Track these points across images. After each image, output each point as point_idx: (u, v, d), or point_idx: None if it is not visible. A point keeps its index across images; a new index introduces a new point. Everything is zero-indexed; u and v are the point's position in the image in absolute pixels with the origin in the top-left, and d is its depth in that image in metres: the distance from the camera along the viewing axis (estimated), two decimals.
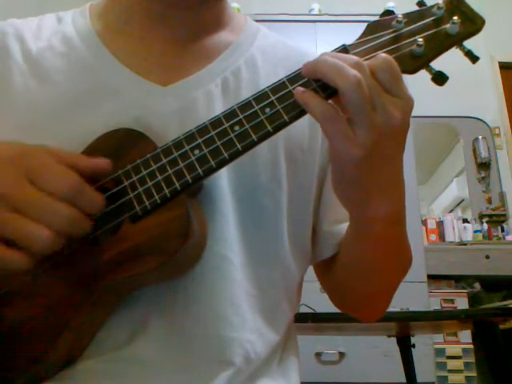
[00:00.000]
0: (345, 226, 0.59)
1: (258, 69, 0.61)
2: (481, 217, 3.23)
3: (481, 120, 3.42)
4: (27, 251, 0.41)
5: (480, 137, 3.37)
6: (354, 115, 0.43)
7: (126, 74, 0.57)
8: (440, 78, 0.49)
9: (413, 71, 0.49)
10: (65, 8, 0.65)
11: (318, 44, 2.68)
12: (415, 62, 0.48)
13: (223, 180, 0.53)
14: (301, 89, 0.45)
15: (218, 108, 0.55)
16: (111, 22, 0.62)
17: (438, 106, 3.15)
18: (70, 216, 0.42)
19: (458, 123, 3.43)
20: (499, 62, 3.48)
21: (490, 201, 3.27)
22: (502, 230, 3.17)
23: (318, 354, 2.30)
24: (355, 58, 0.45)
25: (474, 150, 3.38)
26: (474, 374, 2.47)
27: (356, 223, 0.54)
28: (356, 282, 0.60)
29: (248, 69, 0.60)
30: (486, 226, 3.16)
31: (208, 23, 0.62)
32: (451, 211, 3.39)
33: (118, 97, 0.55)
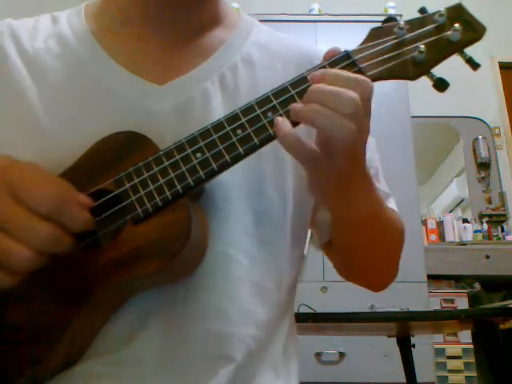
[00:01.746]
0: None
1: (255, 64, 0.61)
2: (481, 217, 3.23)
3: (481, 120, 3.42)
4: (10, 270, 0.41)
5: (480, 137, 3.37)
6: (334, 150, 0.45)
7: (123, 73, 0.57)
8: (441, 85, 0.49)
9: (414, 77, 0.49)
10: (64, 8, 0.65)
11: (318, 44, 2.68)
12: (417, 69, 0.49)
13: (227, 176, 0.53)
14: (283, 129, 0.45)
15: (217, 105, 0.56)
16: (107, 22, 0.62)
17: (437, 106, 3.15)
18: (50, 235, 0.41)
19: (457, 123, 3.43)
20: (499, 62, 3.48)
21: (489, 201, 3.27)
22: (502, 230, 3.17)
23: (318, 354, 2.30)
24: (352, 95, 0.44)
25: (474, 150, 3.38)
26: (474, 374, 2.47)
27: (338, 218, 0.58)
28: (355, 257, 0.64)
29: (245, 64, 0.60)
30: (486, 225, 3.16)
31: (203, 22, 0.62)
32: (451, 211, 3.39)
33: (115, 96, 0.56)
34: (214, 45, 0.61)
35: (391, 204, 0.66)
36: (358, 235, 0.59)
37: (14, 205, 0.41)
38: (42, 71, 0.57)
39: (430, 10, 0.51)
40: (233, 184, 0.53)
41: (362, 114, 0.44)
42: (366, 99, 0.45)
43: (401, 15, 2.86)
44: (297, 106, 0.45)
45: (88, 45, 0.59)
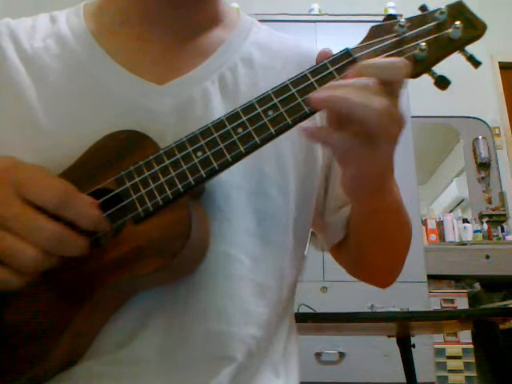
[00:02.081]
0: (347, 209, 0.63)
1: (255, 64, 0.61)
2: (481, 217, 3.23)
3: (481, 120, 3.42)
4: (17, 270, 0.41)
5: (480, 137, 3.37)
6: (373, 140, 0.44)
7: (122, 73, 0.57)
8: (442, 83, 0.49)
9: (415, 75, 0.49)
10: (63, 7, 0.65)
11: (318, 44, 2.67)
12: (418, 67, 0.48)
13: (228, 176, 0.53)
14: (309, 127, 0.44)
15: (217, 105, 0.56)
16: (106, 21, 0.62)
17: (438, 106, 3.15)
18: (56, 233, 0.41)
19: (457, 123, 3.44)
20: (499, 62, 3.48)
21: (489, 201, 3.27)
22: (502, 230, 3.17)
23: (318, 354, 2.30)
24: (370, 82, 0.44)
25: (474, 150, 3.38)
26: (474, 374, 2.48)
27: (364, 210, 0.58)
28: (371, 251, 0.64)
29: (244, 64, 0.60)
30: (486, 225, 3.16)
31: (203, 21, 0.62)
32: (451, 211, 3.39)
33: (114, 96, 0.56)
34: (214, 45, 0.61)
35: None
36: (379, 225, 0.59)
37: (21, 204, 0.41)
38: (41, 71, 0.57)
39: (431, 7, 0.51)
40: (233, 184, 0.53)
41: (399, 97, 0.44)
42: (397, 83, 0.45)
43: (401, 15, 2.86)
44: (323, 93, 0.44)
45: (87, 44, 0.59)
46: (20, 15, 0.64)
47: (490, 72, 3.46)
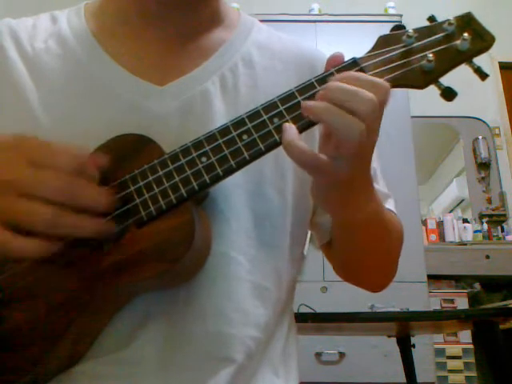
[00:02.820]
0: None
1: (255, 64, 0.61)
2: (481, 217, 3.23)
3: (481, 120, 3.42)
4: (39, 237, 0.41)
5: (480, 137, 3.37)
6: (341, 151, 0.44)
7: (123, 74, 0.57)
8: (449, 94, 0.49)
9: (422, 86, 0.49)
10: (63, 7, 0.65)
11: (318, 44, 2.68)
12: (425, 78, 0.48)
13: (228, 178, 0.53)
14: (288, 137, 0.45)
15: (217, 106, 0.56)
16: (106, 22, 0.62)
17: (437, 106, 3.14)
18: (69, 184, 0.42)
19: (458, 123, 3.43)
20: (499, 62, 3.47)
21: (490, 201, 3.27)
22: (502, 230, 3.17)
23: (318, 354, 2.30)
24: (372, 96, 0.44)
25: (474, 150, 3.38)
26: (474, 374, 2.48)
27: (339, 222, 0.58)
28: (355, 258, 0.63)
29: (245, 64, 0.60)
30: (486, 225, 3.16)
31: (203, 21, 0.62)
32: (451, 211, 3.39)
33: (115, 97, 0.56)
34: (215, 45, 0.61)
35: (390, 205, 0.66)
36: (357, 237, 0.58)
37: (33, 168, 0.42)
38: (42, 71, 0.57)
39: (432, 12, 0.51)
40: (233, 186, 0.53)
41: (375, 115, 0.44)
42: (382, 102, 0.44)
43: (401, 15, 2.86)
44: (308, 102, 0.45)
45: (88, 45, 0.59)
46: (21, 15, 0.64)
47: (490, 72, 3.45)
